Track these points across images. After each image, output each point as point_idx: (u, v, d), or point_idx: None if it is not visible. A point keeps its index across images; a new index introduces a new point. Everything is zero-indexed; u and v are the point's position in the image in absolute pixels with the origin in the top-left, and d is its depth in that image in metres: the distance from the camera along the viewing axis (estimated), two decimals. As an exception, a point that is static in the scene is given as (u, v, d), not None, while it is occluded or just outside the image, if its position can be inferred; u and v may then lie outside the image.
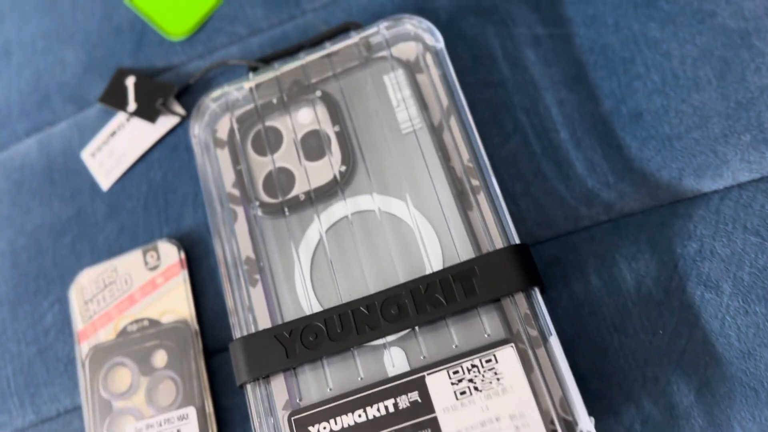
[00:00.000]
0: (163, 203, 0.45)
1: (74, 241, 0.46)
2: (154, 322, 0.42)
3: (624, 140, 0.39)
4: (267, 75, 0.42)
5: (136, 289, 0.43)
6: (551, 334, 0.33)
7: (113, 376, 0.41)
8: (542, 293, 0.35)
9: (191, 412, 0.39)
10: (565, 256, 0.38)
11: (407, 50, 0.41)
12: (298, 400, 0.35)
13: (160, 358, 0.41)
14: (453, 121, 0.39)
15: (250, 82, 0.42)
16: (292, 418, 0.35)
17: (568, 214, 0.38)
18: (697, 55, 0.40)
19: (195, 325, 0.41)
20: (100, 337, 0.42)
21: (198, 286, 0.42)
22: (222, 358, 0.41)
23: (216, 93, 0.42)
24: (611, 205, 0.38)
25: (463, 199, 0.37)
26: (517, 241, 0.35)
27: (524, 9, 0.43)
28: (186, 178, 0.45)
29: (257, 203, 0.40)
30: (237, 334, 0.37)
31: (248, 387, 0.36)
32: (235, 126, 0.42)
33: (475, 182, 0.37)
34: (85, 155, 0.48)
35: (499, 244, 0.35)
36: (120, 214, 0.46)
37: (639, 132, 0.39)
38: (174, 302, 0.42)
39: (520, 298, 0.34)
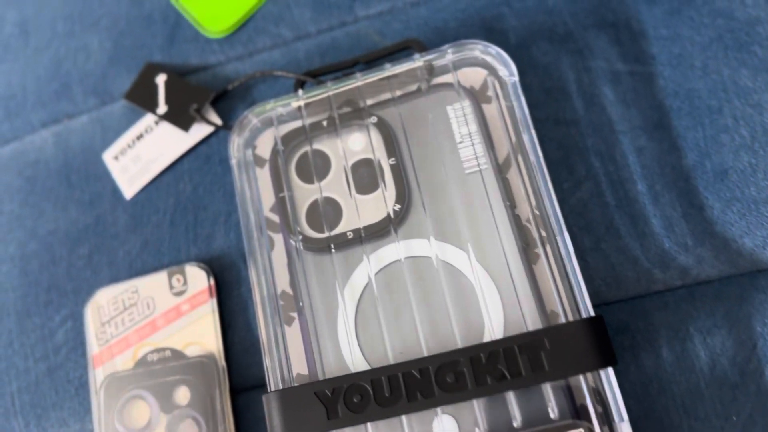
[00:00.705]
0: (192, 220, 0.41)
1: (91, 252, 0.42)
2: (177, 354, 0.38)
3: (706, 199, 0.36)
4: (318, 93, 0.38)
5: (159, 315, 0.39)
6: (623, 420, 0.30)
7: (131, 409, 0.38)
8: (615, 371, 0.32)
9: (215, 459, 0.36)
10: (635, 322, 0.35)
11: (473, 76, 0.37)
12: (338, 465, 0.32)
13: (182, 394, 0.37)
14: (521, 162, 0.35)
15: (299, 100, 0.38)
16: (330, 486, 0.32)
17: (641, 276, 0.35)
18: (793, 109, 0.36)
19: (222, 362, 0.38)
20: (117, 364, 0.39)
21: (226, 316, 0.39)
22: (249, 398, 0.38)
23: (260, 108, 0.38)
24: (687, 271, 0.35)
25: (529, 253, 0.34)
26: (591, 311, 0.32)
27: (603, 39, 0.39)
28: (219, 194, 0.41)
29: (300, 237, 0.36)
30: (271, 379, 0.34)
31: (283, 444, 0.33)
32: (280, 147, 0.38)
33: (544, 234, 0.34)
34: (108, 157, 0.44)
35: (570, 311, 0.32)
36: (144, 227, 0.42)
37: (723, 192, 0.36)
38: (200, 333, 0.38)
39: (591, 375, 0.31)
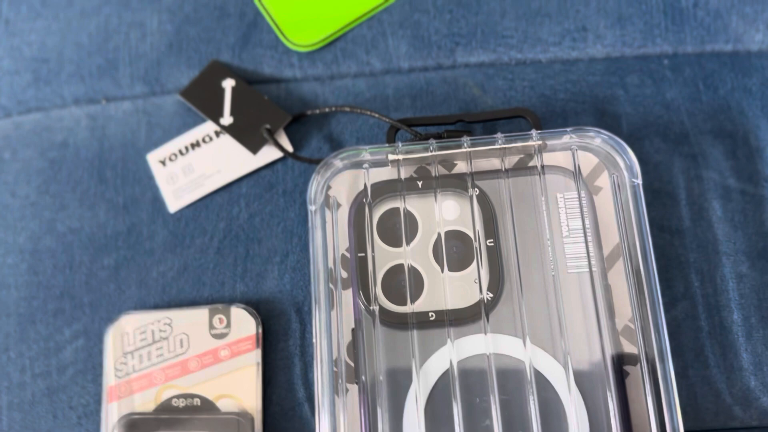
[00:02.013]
0: (243, 252, 0.37)
1: (119, 264, 0.38)
2: (207, 404, 0.34)
3: (801, 343, 0.34)
4: (419, 150, 0.34)
5: (193, 357, 0.35)
6: None
7: (146, 460, 0.34)
8: None
9: None
10: (710, 461, 0.33)
11: (582, 161, 0.34)
12: None
13: (209, 453, 0.34)
14: (630, 270, 0.32)
15: (398, 154, 0.34)
16: None
17: (721, 411, 0.34)
18: None
19: (260, 424, 0.34)
20: (135, 402, 0.34)
21: (267, 371, 0.35)
22: (280, 465, 0.34)
23: (349, 153, 0.34)
24: (767, 414, 0.34)
25: (621, 371, 0.32)
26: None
27: (719, 149, 0.37)
28: (277, 229, 0.37)
29: (377, 308, 0.33)
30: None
31: None
32: (369, 200, 0.34)
33: (646, 352, 0.31)
34: (153, 159, 0.39)
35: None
36: (185, 249, 0.37)
37: (819, 338, 0.34)
38: (238, 386, 0.34)
39: None
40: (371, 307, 0.33)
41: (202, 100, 0.39)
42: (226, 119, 0.38)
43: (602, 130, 0.34)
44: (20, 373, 0.37)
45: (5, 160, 0.40)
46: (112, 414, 0.34)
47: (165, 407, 0.34)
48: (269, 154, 0.38)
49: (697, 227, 0.36)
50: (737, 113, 0.38)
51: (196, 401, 0.34)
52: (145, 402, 0.34)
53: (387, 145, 0.35)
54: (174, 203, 0.38)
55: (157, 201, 0.38)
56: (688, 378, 0.34)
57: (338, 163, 0.35)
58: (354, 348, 0.33)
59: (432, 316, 0.33)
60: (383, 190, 0.35)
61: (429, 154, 0.34)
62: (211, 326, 0.35)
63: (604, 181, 0.35)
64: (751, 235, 0.36)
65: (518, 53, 0.40)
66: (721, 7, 0.40)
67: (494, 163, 0.35)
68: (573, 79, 0.39)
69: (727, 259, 0.35)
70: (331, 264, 0.34)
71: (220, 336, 0.35)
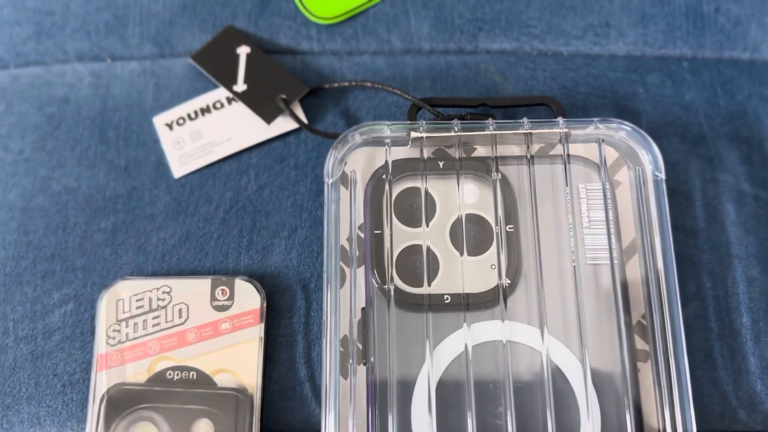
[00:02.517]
0: (249, 224, 0.36)
1: (116, 228, 0.36)
2: (204, 379, 0.33)
3: (807, 350, 0.34)
4: (442, 129, 0.33)
5: (192, 328, 0.33)
6: None
7: (138, 431, 0.32)
8: None
9: None
10: (714, 462, 0.33)
11: (608, 153, 0.34)
12: None
13: (203, 428, 0.32)
14: (651, 265, 0.32)
15: (421, 132, 0.33)
16: None
17: (726, 413, 0.33)
18: None
19: (259, 400, 0.32)
20: (127, 372, 0.33)
21: (269, 347, 0.34)
22: (276, 446, 0.33)
23: (369, 128, 0.33)
24: (772, 418, 0.33)
25: (635, 367, 0.31)
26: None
27: (735, 154, 0.37)
28: (287, 203, 0.36)
29: (392, 286, 0.32)
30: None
31: None
32: (390, 177, 0.33)
33: (661, 348, 0.31)
34: (159, 122, 0.37)
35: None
36: (189, 217, 0.36)
37: (824, 346, 0.34)
38: (237, 361, 0.33)
39: None
40: (385, 286, 0.32)
41: (215, 65, 0.38)
42: (240, 86, 0.37)
43: (627, 123, 0.33)
44: (2, 335, 0.34)
45: (-1, 113, 0.38)
46: (101, 383, 0.33)
47: (158, 379, 0.33)
48: (282, 125, 0.37)
49: (711, 229, 0.36)
50: (753, 119, 0.38)
51: (192, 375, 0.33)
52: (137, 372, 0.33)
53: (409, 122, 0.34)
54: (179, 169, 0.36)
55: (162, 166, 0.37)
56: (696, 378, 0.34)
57: (357, 137, 0.33)
58: (364, 328, 0.32)
59: (447, 299, 0.32)
60: (403, 167, 0.34)
61: (452, 134, 0.33)
62: (213, 298, 0.34)
63: (623, 176, 0.34)
64: (762, 240, 0.36)
65: (541, 44, 0.39)
66: (741, 15, 0.40)
67: (514, 150, 0.34)
68: (594, 73, 0.39)
69: (738, 263, 0.35)
70: (344, 241, 0.33)
71: (222, 308, 0.34)
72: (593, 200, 0.33)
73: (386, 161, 0.33)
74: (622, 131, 0.34)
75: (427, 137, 0.33)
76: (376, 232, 0.33)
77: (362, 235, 0.33)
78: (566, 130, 0.33)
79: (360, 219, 0.33)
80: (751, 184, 0.37)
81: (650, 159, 0.33)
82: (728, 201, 0.36)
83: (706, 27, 0.40)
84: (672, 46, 0.39)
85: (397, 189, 0.34)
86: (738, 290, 0.35)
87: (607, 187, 0.33)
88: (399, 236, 0.33)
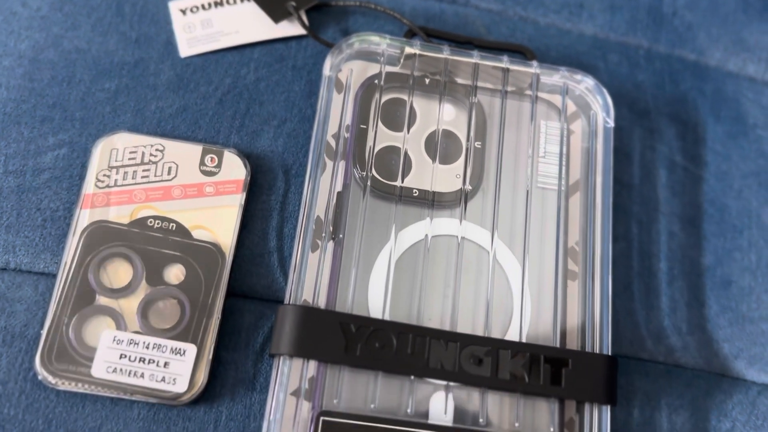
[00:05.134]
0: (243, 109, 0.39)
1: (119, 91, 0.38)
2: (182, 231, 0.35)
3: (708, 299, 0.40)
4: (434, 51, 0.38)
5: (178, 186, 0.36)
6: (606, 455, 0.32)
7: (112, 266, 0.34)
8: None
9: (190, 350, 0.33)
10: (618, 379, 0.37)
11: (568, 104, 0.39)
12: (335, 401, 0.31)
13: (175, 273, 0.34)
14: (590, 199, 0.37)
15: (415, 48, 0.38)
16: (322, 418, 0.31)
17: (635, 341, 0.38)
18: (792, 257, 0.42)
19: (229, 258, 0.35)
20: (110, 213, 0.35)
21: (245, 217, 0.37)
22: (236, 305, 0.35)
23: (367, 37, 0.37)
24: (672, 352, 0.38)
25: (567, 278, 0.36)
26: (610, 350, 0.34)
27: (673, 130, 0.43)
28: (280, 98, 0.39)
29: (370, 173, 0.35)
30: (292, 295, 0.33)
31: (282, 361, 0.31)
32: (381, 83, 0.37)
33: (590, 267, 0.36)
34: (174, 6, 0.40)
35: (591, 343, 0.34)
36: (188, 93, 0.39)
37: (723, 299, 0.40)
38: (216, 222, 0.36)
39: (595, 407, 0.33)
40: (363, 173, 0.35)
41: (234, -32, 0.41)
42: (255, -12, 0.41)
43: (590, 76, 0.39)
44: (-8, 166, 0.36)
45: (22, -29, 0.40)
46: (83, 219, 0.35)
47: (139, 224, 0.35)
48: (287, 29, 0.40)
49: (644, 186, 0.41)
50: (692, 107, 0.44)
51: (172, 226, 0.35)
52: (119, 216, 0.35)
53: (405, 39, 0.38)
54: (186, 50, 0.39)
55: (170, 45, 0.40)
56: (614, 306, 0.38)
57: (356, 44, 0.37)
58: (337, 208, 0.35)
59: (416, 193, 0.36)
60: (394, 78, 0.38)
61: (441, 56, 0.38)
62: (202, 162, 0.37)
63: (577, 126, 0.39)
64: (686, 203, 0.41)
65: (523, 10, 0.44)
66: (694, 22, 0.46)
67: (490, 86, 0.39)
68: (564, 44, 0.44)
69: (663, 217, 0.41)
70: (329, 137, 0.36)
71: (209, 173, 0.36)
72: (551, 136, 0.38)
73: (380, 70, 0.37)
74: (584, 83, 0.39)
75: (419, 54, 0.38)
76: (361, 126, 0.37)
77: (347, 136, 0.37)
78: (538, 71, 0.38)
79: (347, 121, 0.37)
80: (683, 157, 0.42)
81: (603, 106, 0.38)
82: (662, 167, 0.42)
83: (663, 26, 0.46)
84: (633, 35, 0.45)
85: (385, 97, 0.38)
86: (660, 240, 0.40)
87: (564, 127, 0.38)
88: (381, 136, 0.37)
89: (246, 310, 0.35)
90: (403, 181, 0.36)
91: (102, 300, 0.33)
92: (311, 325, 0.32)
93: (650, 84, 0.44)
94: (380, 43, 0.38)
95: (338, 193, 0.35)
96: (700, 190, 0.42)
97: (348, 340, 0.32)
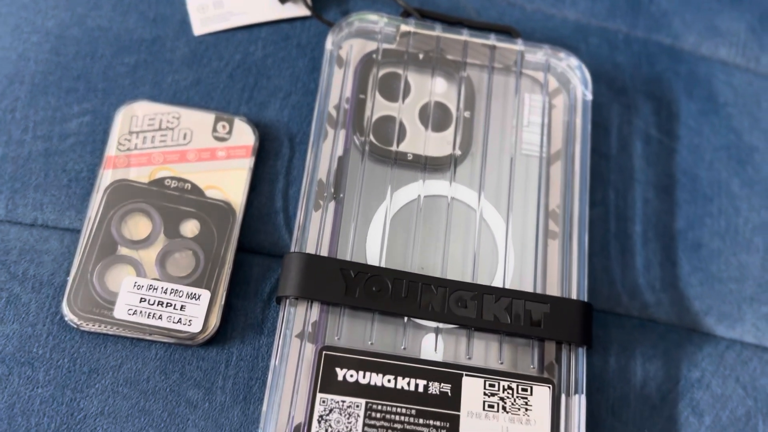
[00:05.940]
0: (252, 82, 0.42)
1: (138, 65, 0.42)
2: (196, 190, 0.38)
3: (680, 260, 0.43)
4: (427, 29, 0.41)
5: (193, 150, 0.39)
6: (582, 393, 0.36)
7: (133, 220, 0.37)
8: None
9: (205, 295, 0.36)
10: (596, 329, 0.41)
11: (550, 80, 0.43)
12: (336, 338, 0.34)
13: (191, 227, 0.38)
14: (569, 167, 0.40)
15: (410, 26, 0.41)
16: (324, 353, 0.34)
17: (612, 297, 0.41)
18: (758, 223, 0.45)
19: (240, 215, 0.38)
20: (131, 174, 0.38)
21: (254, 179, 0.40)
22: (246, 259, 0.38)
23: (366, 16, 0.41)
24: (646, 307, 0.42)
25: (548, 236, 0.39)
26: (586, 298, 0.37)
27: (648, 106, 0.46)
28: (286, 73, 0.43)
29: (369, 139, 0.39)
30: (298, 244, 0.36)
31: (288, 303, 0.35)
32: (379, 58, 0.41)
33: (569, 226, 0.39)
34: (189, -10, 0.44)
35: (567, 291, 0.37)
36: (201, 67, 0.42)
37: (694, 260, 0.43)
38: (227, 182, 0.39)
39: (572, 349, 0.36)
40: (363, 139, 0.39)
41: (243, -44, 0.45)
42: (264, -27, 0.44)
43: (573, 55, 0.42)
44: (22, 132, 0.40)
45: (48, -43, 0.44)
46: (105, 178, 0.38)
47: (157, 184, 0.38)
48: (292, 10, 0.44)
49: (620, 156, 0.45)
50: (666, 87, 0.47)
51: (187, 186, 0.39)
52: (139, 176, 0.38)
53: (401, 18, 0.42)
54: (200, 28, 0.43)
55: (185, 24, 0.43)
56: (592, 264, 0.42)
57: (356, 23, 0.41)
58: (338, 170, 0.39)
59: (410, 156, 0.39)
60: (390, 53, 0.41)
61: (435, 33, 0.41)
62: (215, 129, 0.40)
63: (558, 101, 0.43)
64: (660, 173, 0.45)
65: (510, -4, 0.48)
66: (669, 9, 0.50)
67: (479, 62, 0.42)
68: (549, 27, 0.47)
69: (638, 185, 0.44)
70: (331, 108, 0.40)
71: (221, 139, 0.40)
72: (534, 107, 0.42)
73: (377, 47, 0.41)
74: (565, 61, 0.42)
75: (413, 32, 0.41)
76: (360, 96, 0.40)
77: (347, 107, 0.40)
78: (522, 48, 0.42)
79: (347, 93, 0.40)
80: (658, 131, 0.46)
81: (582, 80, 0.42)
82: (637, 140, 0.45)
83: (641, 12, 0.50)
84: (612, 21, 0.49)
85: (382, 71, 0.41)
86: (635, 206, 0.44)
87: (546, 100, 0.42)
88: (378, 106, 0.40)
89: (254, 263, 0.38)
90: (398, 147, 0.39)
91: (123, 251, 0.37)
92: (314, 270, 0.35)
93: (628, 65, 0.47)
94: (378, 21, 0.41)
95: (339, 157, 0.39)
96: (673, 161, 0.45)
97: (348, 284, 0.35)
